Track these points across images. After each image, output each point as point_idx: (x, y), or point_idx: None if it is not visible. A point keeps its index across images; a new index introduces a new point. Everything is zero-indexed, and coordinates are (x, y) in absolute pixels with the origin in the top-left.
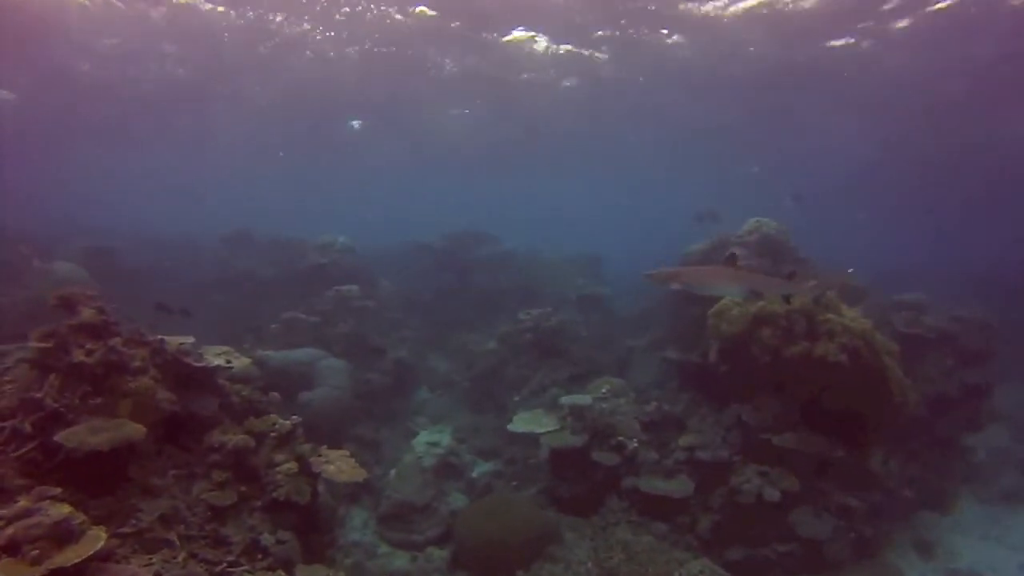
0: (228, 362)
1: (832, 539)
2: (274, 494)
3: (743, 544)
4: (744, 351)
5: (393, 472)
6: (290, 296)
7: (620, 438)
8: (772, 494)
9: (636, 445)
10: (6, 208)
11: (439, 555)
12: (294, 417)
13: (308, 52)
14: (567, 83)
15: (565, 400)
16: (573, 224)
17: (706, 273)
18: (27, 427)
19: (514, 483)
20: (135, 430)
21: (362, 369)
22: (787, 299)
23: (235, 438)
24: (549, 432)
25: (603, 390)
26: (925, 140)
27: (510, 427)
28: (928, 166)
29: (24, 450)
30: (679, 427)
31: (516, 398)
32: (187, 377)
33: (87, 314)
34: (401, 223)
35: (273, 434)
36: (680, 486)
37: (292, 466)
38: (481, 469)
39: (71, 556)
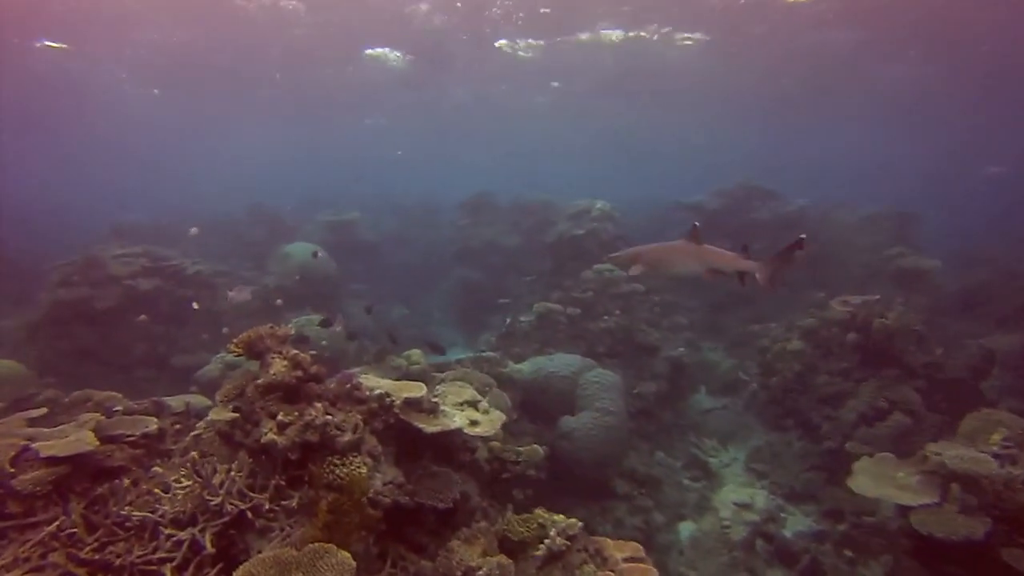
0: (474, 421)
1: None
2: None
3: None
4: None
5: (687, 536)
6: (538, 270)
7: None
8: None
9: None
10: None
11: None
12: (576, 523)
13: None
14: None
15: (951, 459)
16: (858, 177)
17: (666, 251)
18: (207, 542)
19: (847, 552)
20: (336, 568)
21: (631, 375)
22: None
23: (486, 564)
24: (923, 508)
25: (997, 438)
26: None
27: (853, 486)
28: None
29: None
30: None
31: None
32: (417, 442)
33: (277, 368)
34: (652, 177)
35: (540, 551)
36: None
37: None
38: (797, 526)
39: None
